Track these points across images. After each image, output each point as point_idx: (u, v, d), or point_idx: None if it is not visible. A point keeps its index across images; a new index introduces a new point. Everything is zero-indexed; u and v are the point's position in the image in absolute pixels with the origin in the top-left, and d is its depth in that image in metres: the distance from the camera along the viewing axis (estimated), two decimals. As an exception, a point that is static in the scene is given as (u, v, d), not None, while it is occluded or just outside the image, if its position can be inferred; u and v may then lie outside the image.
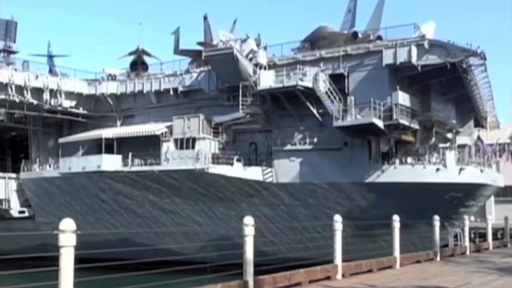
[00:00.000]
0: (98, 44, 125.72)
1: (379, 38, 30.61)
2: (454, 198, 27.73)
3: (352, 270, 11.89)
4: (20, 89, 33.39)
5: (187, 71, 34.26)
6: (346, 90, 28.66)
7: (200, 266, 11.40)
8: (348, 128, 27.46)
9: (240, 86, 29.21)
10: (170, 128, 31.72)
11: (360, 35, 31.28)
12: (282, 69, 29.03)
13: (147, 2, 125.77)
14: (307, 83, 28.17)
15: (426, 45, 26.78)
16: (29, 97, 33.68)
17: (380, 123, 26.52)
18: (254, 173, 29.85)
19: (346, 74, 28.91)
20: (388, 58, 27.26)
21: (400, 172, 27.59)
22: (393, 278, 11.83)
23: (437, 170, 27.63)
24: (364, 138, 28.20)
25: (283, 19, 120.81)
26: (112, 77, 38.07)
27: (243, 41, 31.48)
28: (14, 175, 36.72)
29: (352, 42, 30.36)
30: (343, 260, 11.38)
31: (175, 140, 31.27)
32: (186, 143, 30.95)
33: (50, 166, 35.80)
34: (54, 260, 6.15)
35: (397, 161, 27.96)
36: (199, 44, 36.37)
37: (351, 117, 27.12)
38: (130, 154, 31.87)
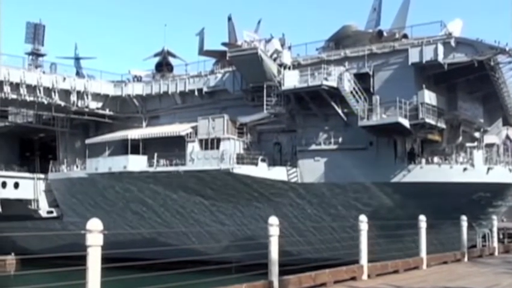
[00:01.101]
0: (123, 45, 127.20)
1: (405, 36, 30.33)
2: (482, 198, 27.31)
3: (378, 271, 11.79)
4: (48, 91, 33.95)
5: (212, 72, 34.41)
6: (372, 89, 28.46)
7: (225, 266, 11.44)
8: (373, 127, 27.26)
9: (265, 86, 29.21)
10: (195, 128, 31.90)
11: (385, 34, 31.04)
12: (306, 69, 28.96)
13: (172, 4, 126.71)
14: (332, 82, 28.05)
15: (453, 43, 26.43)
16: (56, 99, 34.23)
17: (406, 123, 26.27)
18: (279, 173, 29.83)
19: (371, 73, 28.71)
20: (414, 57, 26.97)
21: (426, 172, 27.28)
22: (420, 279, 11.70)
23: (465, 169, 27.25)
24: (389, 138, 27.97)
25: (307, 19, 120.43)
26: (138, 78, 38.47)
27: (268, 41, 31.52)
28: (42, 176, 37.33)
29: (377, 41, 30.14)
30: (369, 261, 11.29)
31: (200, 141, 31.44)
32: (210, 144, 31.09)
33: (77, 167, 36.33)
34: (82, 260, 6.22)
35: (424, 160, 27.66)
36: (224, 44, 36.51)
37: (376, 116, 26.92)
38: (155, 155, 32.15)
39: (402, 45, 28.18)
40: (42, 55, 47.41)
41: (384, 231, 18.48)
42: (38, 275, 7.87)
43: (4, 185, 35.57)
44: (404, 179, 27.53)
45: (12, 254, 37.84)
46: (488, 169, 27.47)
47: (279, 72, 29.57)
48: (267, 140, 32.08)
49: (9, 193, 35.69)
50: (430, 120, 26.94)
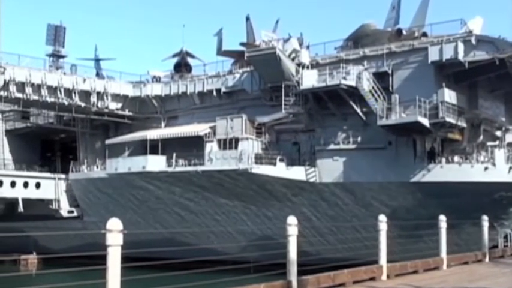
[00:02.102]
0: (142, 46, 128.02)
1: (425, 34, 30.08)
2: (504, 198, 26.95)
3: (397, 271, 11.69)
4: (68, 92, 34.35)
5: (230, 72, 34.48)
6: (391, 88, 28.30)
7: (243, 266, 11.43)
8: (393, 126, 27.09)
9: (283, 85, 29.19)
10: (213, 128, 32.00)
11: (404, 32, 30.83)
12: (324, 68, 28.90)
13: (190, 5, 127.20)
14: (351, 81, 27.93)
15: (473, 41, 26.14)
16: (77, 100, 34.61)
17: (425, 122, 26.06)
18: (297, 173, 29.77)
19: (390, 72, 28.54)
20: (433, 55, 26.71)
21: (446, 171, 27.00)
22: (440, 280, 11.58)
23: (486, 168, 26.91)
24: (409, 137, 27.76)
25: (325, 18, 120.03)
26: (156, 79, 38.72)
27: (286, 40, 31.48)
28: (63, 176, 37.77)
29: (397, 40, 29.94)
30: (388, 261, 11.21)
31: (219, 141, 31.52)
32: (229, 144, 31.15)
33: (97, 167, 36.68)
34: (102, 259, 6.27)
35: (444, 159, 27.39)
36: (242, 44, 36.56)
37: (396, 115, 26.75)
38: (174, 155, 32.32)
39: (422, 44, 27.94)
40: (62, 57, 47.98)
41: (403, 231, 18.35)
42: (59, 274, 7.95)
43: (26, 185, 36.10)
44: (424, 179, 27.29)
45: (34, 253, 38.38)
46: (510, 168, 27.09)
47: (297, 71, 29.52)
48: (286, 140, 32.04)
49: (30, 193, 36.23)
50: (450, 119, 26.68)
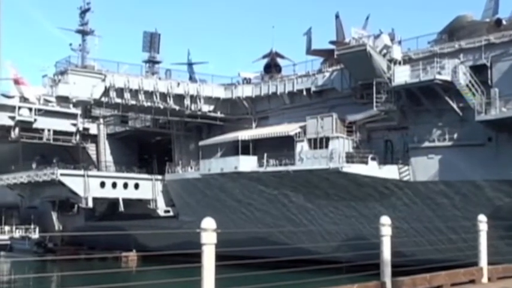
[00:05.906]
0: (233, 49, 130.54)
1: (526, 23, 28.36)
2: None
3: (499, 274, 11.10)
4: (163, 96, 35.71)
5: (320, 71, 34.33)
6: (489, 81, 26.99)
7: (336, 266, 11.34)
8: (492, 122, 25.85)
9: (374, 82, 28.66)
10: (304, 128, 31.97)
11: (504, 22, 29.21)
12: (418, 63, 28.05)
13: (279, 5, 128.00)
14: (446, 76, 26.92)
15: None
16: (171, 103, 35.91)
17: (529, 116, 24.58)
18: (390, 172, 29.10)
19: (489, 64, 27.20)
20: (536, 45, 25.16)
21: (554, 168, 25.31)
22: (548, 284, 10.86)
23: None
24: (510, 133, 26.30)
25: (418, 12, 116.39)
26: (247, 81, 39.31)
27: (376, 36, 30.85)
28: (159, 177, 39.30)
29: (496, 30, 28.45)
30: (489, 263, 10.68)
31: (309, 140, 31.44)
32: (319, 143, 30.99)
33: (191, 168, 37.79)
34: (197, 257, 6.45)
35: (550, 156, 25.71)
36: (332, 43, 36.27)
37: (495, 110, 25.49)
38: (265, 155, 32.62)
39: (523, 33, 26.39)
40: (158, 62, 50.00)
41: (506, 232, 17.43)
42: (157, 271, 8.27)
43: (126, 185, 37.95)
44: (528, 177, 25.74)
45: (134, 250, 40.27)
46: None
47: (388, 68, 28.88)
48: (377, 138, 31.41)
49: (130, 193, 38.05)
50: (557, 113, 24.99)
